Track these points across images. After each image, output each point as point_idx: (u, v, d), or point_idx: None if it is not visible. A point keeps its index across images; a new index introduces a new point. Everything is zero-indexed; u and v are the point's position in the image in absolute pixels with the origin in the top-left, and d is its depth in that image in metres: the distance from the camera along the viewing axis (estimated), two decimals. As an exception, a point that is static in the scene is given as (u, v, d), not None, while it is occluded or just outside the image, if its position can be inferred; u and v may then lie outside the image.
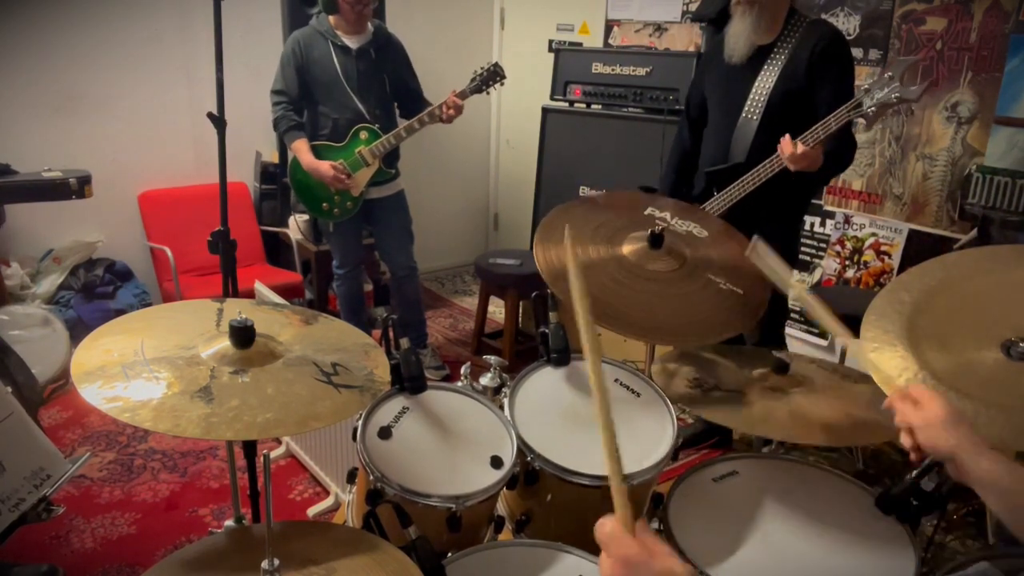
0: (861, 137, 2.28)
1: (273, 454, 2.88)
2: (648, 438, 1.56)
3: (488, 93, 3.19)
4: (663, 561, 0.77)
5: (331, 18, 3.15)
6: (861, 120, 2.18)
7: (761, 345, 2.55)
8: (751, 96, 2.38)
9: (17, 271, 3.55)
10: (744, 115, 2.39)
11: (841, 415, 1.56)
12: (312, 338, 1.44)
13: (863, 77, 3.20)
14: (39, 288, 3.60)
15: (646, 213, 1.98)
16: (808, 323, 2.84)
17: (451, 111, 3.07)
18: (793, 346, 3.41)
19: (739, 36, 2.37)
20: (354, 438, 1.43)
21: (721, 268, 1.84)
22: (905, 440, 1.09)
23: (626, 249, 1.80)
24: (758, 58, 2.37)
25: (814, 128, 2.13)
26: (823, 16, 3.22)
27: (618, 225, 1.88)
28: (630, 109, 3.57)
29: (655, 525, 1.62)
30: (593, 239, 1.81)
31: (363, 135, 3.17)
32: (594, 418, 0.95)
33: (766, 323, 2.58)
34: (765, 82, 2.35)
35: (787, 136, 2.17)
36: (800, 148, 2.13)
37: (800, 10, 2.38)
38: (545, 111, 3.82)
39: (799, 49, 2.31)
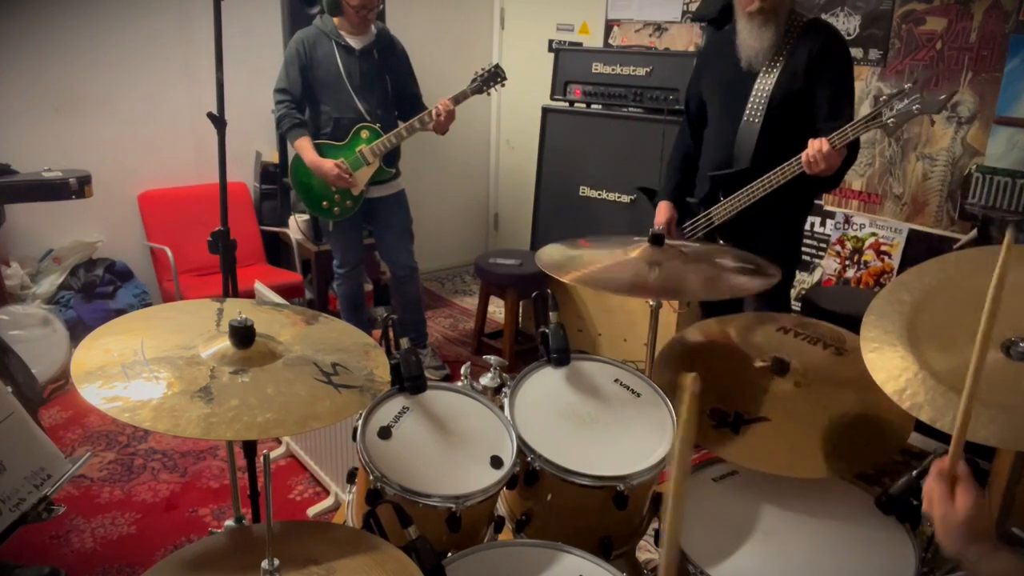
0: (863, 137, 2.27)
1: (273, 454, 2.88)
2: (648, 438, 1.56)
3: (489, 94, 3.20)
4: None
5: (335, 19, 3.16)
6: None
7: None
8: (752, 98, 2.36)
9: (17, 271, 3.55)
10: (746, 118, 2.37)
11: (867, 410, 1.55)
12: (312, 338, 1.44)
13: (864, 77, 3.21)
14: (39, 288, 3.60)
15: (628, 245, 2.01)
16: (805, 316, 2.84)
17: (442, 117, 3.07)
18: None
19: (757, 47, 2.32)
20: (354, 438, 1.43)
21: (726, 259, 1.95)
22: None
23: (634, 254, 1.87)
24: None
25: (841, 130, 2.09)
26: (823, 16, 3.22)
27: (611, 251, 1.94)
28: (630, 109, 3.57)
29: (655, 525, 1.62)
30: (601, 263, 1.87)
31: (364, 134, 3.17)
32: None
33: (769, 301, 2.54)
34: (765, 84, 2.33)
35: (821, 139, 2.12)
36: (826, 147, 2.09)
37: (798, 9, 2.36)
38: (545, 111, 3.81)
39: (798, 50, 2.29)
